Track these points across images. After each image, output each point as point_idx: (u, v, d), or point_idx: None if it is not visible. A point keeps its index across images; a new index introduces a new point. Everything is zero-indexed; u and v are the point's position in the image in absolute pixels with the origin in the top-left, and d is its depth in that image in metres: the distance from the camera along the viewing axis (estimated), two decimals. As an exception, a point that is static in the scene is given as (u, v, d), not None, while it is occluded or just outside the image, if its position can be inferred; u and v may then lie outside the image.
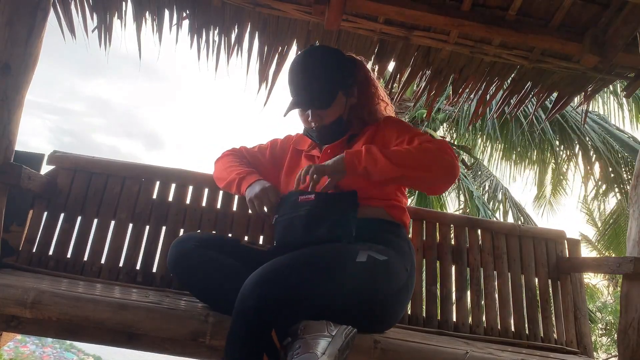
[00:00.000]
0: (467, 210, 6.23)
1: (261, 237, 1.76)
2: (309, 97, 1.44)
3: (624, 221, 6.44)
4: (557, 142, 6.36)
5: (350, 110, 1.52)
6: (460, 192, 6.61)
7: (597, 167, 6.29)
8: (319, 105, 1.44)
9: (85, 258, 1.65)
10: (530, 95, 2.16)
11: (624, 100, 6.73)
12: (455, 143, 7.39)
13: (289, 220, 1.34)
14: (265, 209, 1.44)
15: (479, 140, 7.02)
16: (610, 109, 6.85)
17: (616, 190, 6.18)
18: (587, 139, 6.13)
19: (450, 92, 2.17)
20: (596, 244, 7.20)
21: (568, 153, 6.42)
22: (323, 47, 1.61)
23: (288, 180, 1.56)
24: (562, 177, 6.87)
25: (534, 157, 6.70)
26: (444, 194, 6.86)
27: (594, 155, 6.22)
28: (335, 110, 1.46)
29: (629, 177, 6.06)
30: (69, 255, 1.64)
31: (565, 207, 7.28)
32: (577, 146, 6.31)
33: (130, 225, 1.70)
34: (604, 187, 6.37)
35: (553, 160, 6.63)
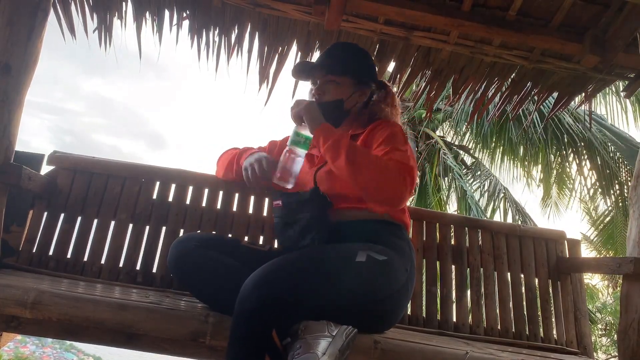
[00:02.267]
0: (458, 210, 6.25)
1: (261, 237, 1.76)
2: (320, 62, 1.52)
3: (619, 221, 6.45)
4: (553, 143, 6.37)
5: (354, 105, 1.51)
6: (452, 191, 6.64)
7: (593, 167, 6.30)
8: (322, 67, 1.50)
9: (86, 258, 1.64)
10: (531, 96, 2.16)
11: (627, 100, 6.73)
12: (456, 143, 7.40)
13: (275, 224, 1.40)
14: (257, 172, 1.46)
15: (479, 140, 7.02)
16: (613, 109, 6.85)
17: (616, 187, 6.18)
18: (581, 139, 6.14)
19: (450, 93, 2.18)
20: (596, 243, 7.20)
21: (563, 153, 6.44)
22: (359, 46, 1.68)
23: None
24: (554, 177, 6.89)
25: (531, 156, 6.72)
26: (443, 194, 6.87)
27: (588, 155, 6.24)
28: (337, 90, 1.48)
29: (626, 176, 6.07)
30: (69, 256, 1.64)
31: (565, 207, 7.28)
32: (571, 147, 6.33)
33: (131, 225, 1.70)
34: (599, 190, 6.38)
35: (558, 161, 6.64)
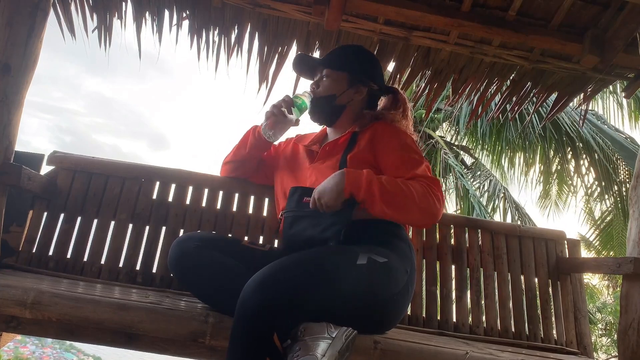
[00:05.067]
0: (461, 207, 6.25)
1: (261, 237, 1.76)
2: (321, 58, 1.56)
3: (618, 223, 6.45)
4: (552, 144, 6.39)
5: (348, 101, 1.52)
6: (453, 191, 6.64)
7: (592, 168, 6.31)
8: (321, 61, 1.54)
9: (85, 258, 1.64)
10: (530, 96, 2.16)
11: (624, 100, 6.74)
12: (455, 143, 7.40)
13: (293, 218, 1.39)
14: (283, 107, 1.43)
15: (478, 140, 7.03)
16: (610, 109, 6.87)
17: (615, 189, 6.19)
18: (579, 142, 6.15)
19: (450, 93, 2.18)
20: (594, 244, 7.21)
21: (560, 155, 6.45)
22: (366, 49, 1.69)
23: (286, 173, 1.57)
24: (554, 176, 6.90)
25: (529, 157, 6.73)
26: (445, 194, 6.88)
27: (587, 157, 6.25)
28: (332, 85, 1.50)
29: (624, 178, 6.08)
30: (68, 256, 1.64)
31: (564, 206, 7.29)
32: (569, 148, 6.33)
33: (130, 225, 1.70)
34: (598, 190, 6.38)
35: (556, 161, 6.65)
